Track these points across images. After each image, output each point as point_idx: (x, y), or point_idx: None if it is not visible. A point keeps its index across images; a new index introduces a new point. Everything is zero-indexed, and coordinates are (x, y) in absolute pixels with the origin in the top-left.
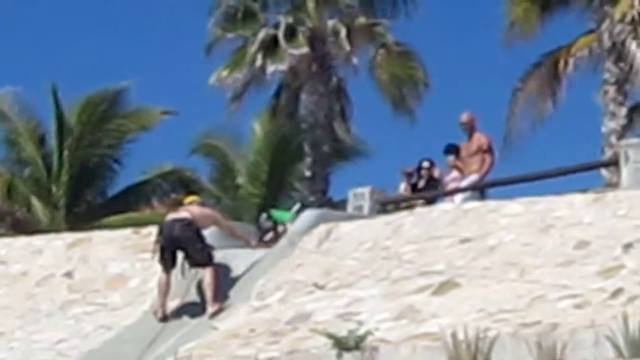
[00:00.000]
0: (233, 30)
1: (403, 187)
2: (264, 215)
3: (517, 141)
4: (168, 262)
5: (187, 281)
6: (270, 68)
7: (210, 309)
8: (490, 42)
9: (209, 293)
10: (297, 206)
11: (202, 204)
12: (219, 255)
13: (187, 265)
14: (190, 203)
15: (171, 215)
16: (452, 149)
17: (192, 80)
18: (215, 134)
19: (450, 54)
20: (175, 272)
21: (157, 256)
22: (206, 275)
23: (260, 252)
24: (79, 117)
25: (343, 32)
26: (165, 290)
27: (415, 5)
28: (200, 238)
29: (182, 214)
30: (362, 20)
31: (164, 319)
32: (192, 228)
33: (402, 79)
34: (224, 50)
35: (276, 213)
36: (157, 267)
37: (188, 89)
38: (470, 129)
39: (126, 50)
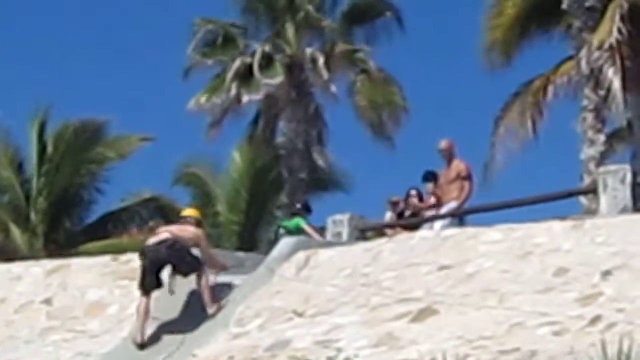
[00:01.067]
0: (212, 56)
1: (389, 216)
2: (281, 231)
3: (498, 169)
4: (150, 285)
5: (165, 307)
6: (245, 98)
7: (210, 310)
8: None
9: (206, 295)
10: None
11: (199, 223)
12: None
13: (174, 281)
14: (184, 218)
15: (152, 239)
16: (431, 177)
17: (171, 107)
18: (195, 162)
19: (430, 80)
20: (156, 296)
21: (137, 281)
22: (200, 279)
23: (239, 279)
24: (58, 143)
25: (321, 60)
26: (144, 315)
27: (396, 31)
28: (187, 251)
29: (163, 235)
30: (341, 46)
31: (143, 345)
32: (177, 245)
33: (381, 105)
34: (203, 75)
35: (289, 223)
36: (136, 294)
37: (166, 115)
38: (449, 156)
39: (105, 77)
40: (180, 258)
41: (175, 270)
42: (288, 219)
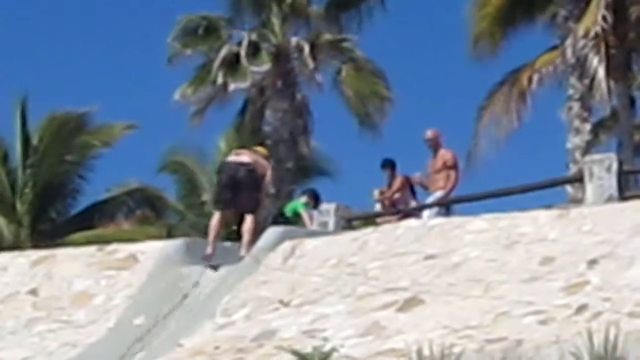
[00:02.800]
0: (194, 45)
1: (379, 208)
2: (279, 219)
3: (482, 158)
4: (225, 200)
5: (151, 297)
6: (232, 86)
7: (242, 252)
8: (456, 58)
9: (246, 237)
10: (304, 198)
11: (267, 159)
12: (184, 272)
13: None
14: (256, 150)
15: (232, 157)
16: (388, 164)
17: (155, 96)
18: (181, 151)
19: (416, 69)
20: (141, 285)
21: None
22: (247, 220)
23: (225, 269)
24: (43, 134)
25: (307, 49)
26: (215, 230)
27: (380, 16)
28: (259, 186)
29: (244, 157)
30: (327, 36)
31: (208, 258)
32: (254, 175)
33: (367, 94)
34: (187, 65)
35: (288, 208)
36: (122, 284)
37: (151, 103)
38: (435, 146)
39: (90, 66)
40: (250, 187)
41: (234, 203)
42: (290, 204)
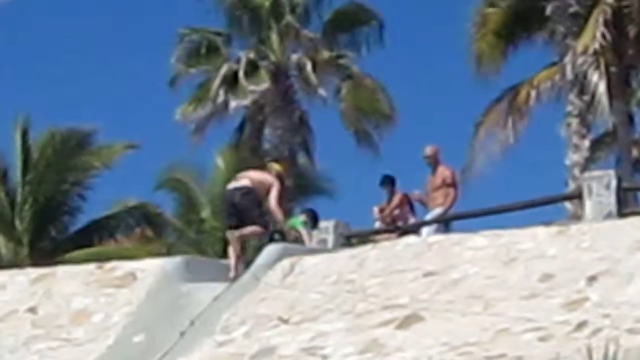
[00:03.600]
0: (196, 65)
1: (379, 225)
2: (276, 236)
3: (479, 175)
4: (232, 227)
5: (150, 315)
6: (233, 104)
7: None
8: (456, 76)
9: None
10: (302, 216)
11: (279, 176)
12: (183, 289)
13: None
14: (268, 167)
15: (232, 184)
16: (388, 180)
17: (155, 115)
18: (179, 168)
19: (416, 87)
20: (140, 303)
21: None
22: (248, 235)
23: (223, 286)
24: (43, 151)
25: (309, 65)
26: (235, 256)
27: (379, 41)
28: (258, 205)
29: (242, 181)
30: (325, 53)
31: (235, 278)
32: (251, 196)
33: (366, 111)
34: (188, 84)
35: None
36: (121, 302)
37: (152, 123)
38: (434, 163)
39: (90, 85)
40: (251, 209)
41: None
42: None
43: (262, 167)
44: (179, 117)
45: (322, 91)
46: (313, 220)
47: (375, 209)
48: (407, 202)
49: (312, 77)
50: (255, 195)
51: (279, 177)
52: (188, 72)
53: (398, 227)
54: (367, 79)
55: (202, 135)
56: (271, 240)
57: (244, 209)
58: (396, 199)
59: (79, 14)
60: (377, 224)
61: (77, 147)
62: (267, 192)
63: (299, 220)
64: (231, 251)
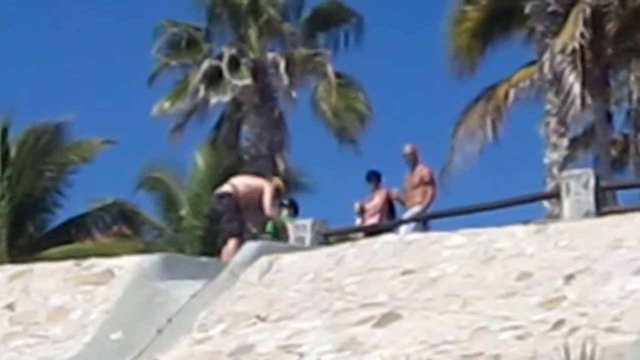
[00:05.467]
0: (177, 58)
1: (359, 221)
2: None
3: (457, 173)
4: (220, 231)
5: (127, 312)
6: (213, 99)
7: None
8: (434, 74)
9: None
10: (285, 210)
11: (277, 192)
12: (161, 287)
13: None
14: (255, 176)
15: (218, 189)
16: (373, 176)
17: (133, 110)
18: (158, 166)
19: (395, 85)
20: (117, 300)
21: None
22: (229, 244)
23: (201, 284)
24: (20, 148)
25: (282, 64)
26: (229, 256)
27: (358, 38)
28: (233, 210)
29: (225, 187)
30: (303, 51)
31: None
32: (227, 200)
33: (344, 110)
34: (167, 79)
35: (269, 223)
36: (99, 299)
37: (129, 119)
38: (413, 161)
39: (67, 81)
40: (229, 212)
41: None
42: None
43: (258, 174)
44: (156, 113)
45: (294, 93)
46: (294, 209)
47: (357, 204)
48: (388, 202)
49: (285, 77)
50: (230, 200)
51: (277, 191)
52: (168, 65)
53: (375, 226)
54: (345, 76)
55: (182, 132)
56: (254, 238)
57: (225, 213)
58: (377, 197)
59: (55, 9)
60: (358, 221)
61: (53, 142)
62: (260, 195)
63: (284, 214)
64: (222, 257)
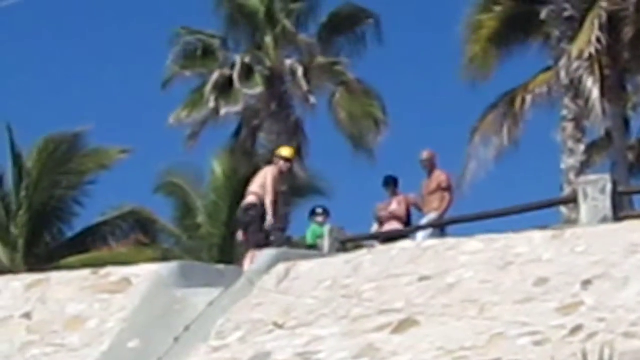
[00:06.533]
0: (191, 67)
1: (376, 228)
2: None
3: (474, 179)
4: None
5: (145, 320)
6: (224, 110)
7: None
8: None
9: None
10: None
11: (286, 160)
12: (178, 295)
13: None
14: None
15: (244, 201)
16: (391, 181)
17: (149, 119)
18: (177, 172)
19: (411, 92)
20: (135, 308)
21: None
22: (254, 255)
23: (218, 291)
24: (38, 158)
25: (300, 71)
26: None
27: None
28: (259, 220)
29: (249, 198)
30: (320, 59)
31: None
32: (252, 212)
33: (361, 117)
34: (182, 88)
35: (309, 235)
36: (115, 308)
37: (145, 128)
38: (430, 167)
39: (83, 90)
40: (249, 224)
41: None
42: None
43: (259, 168)
44: (172, 122)
45: (312, 99)
46: (327, 215)
47: (379, 207)
48: (407, 208)
49: (303, 84)
50: (256, 211)
51: (287, 161)
52: (182, 74)
53: (390, 234)
54: (361, 84)
55: (197, 140)
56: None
57: (246, 225)
58: (394, 203)
59: (71, 18)
60: (375, 227)
61: (70, 152)
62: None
63: (318, 227)
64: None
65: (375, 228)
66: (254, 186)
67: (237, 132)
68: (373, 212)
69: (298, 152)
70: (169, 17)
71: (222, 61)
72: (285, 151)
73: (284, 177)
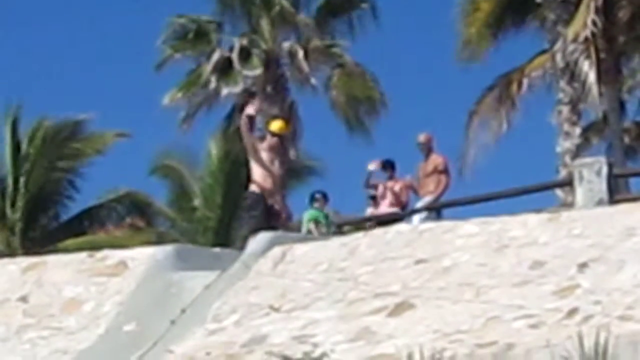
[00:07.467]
0: (183, 49)
1: (370, 212)
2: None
3: (472, 162)
4: None
5: (141, 303)
6: (224, 90)
7: None
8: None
9: None
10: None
11: (277, 134)
12: (174, 278)
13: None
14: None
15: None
16: (388, 165)
17: (144, 103)
18: (172, 155)
19: (407, 73)
20: (131, 291)
21: None
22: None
23: (214, 275)
24: (34, 141)
25: (300, 53)
26: None
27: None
28: (255, 207)
29: (251, 187)
30: (317, 41)
31: None
32: (250, 200)
33: (358, 99)
34: (176, 70)
35: (305, 220)
36: (112, 291)
37: (139, 110)
38: (427, 150)
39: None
40: (249, 212)
41: None
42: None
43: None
44: (167, 103)
45: (313, 80)
46: (325, 199)
47: (373, 165)
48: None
49: (304, 65)
50: (253, 199)
51: (275, 136)
52: (174, 57)
53: (388, 216)
54: (358, 66)
55: (192, 122)
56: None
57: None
58: (398, 185)
59: (66, 5)
60: (369, 211)
61: (67, 136)
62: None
63: (317, 212)
64: None
65: (370, 210)
66: (254, 171)
67: (231, 115)
68: (369, 167)
69: (294, 135)
70: (166, 3)
71: (217, 43)
72: (274, 125)
73: (275, 151)
